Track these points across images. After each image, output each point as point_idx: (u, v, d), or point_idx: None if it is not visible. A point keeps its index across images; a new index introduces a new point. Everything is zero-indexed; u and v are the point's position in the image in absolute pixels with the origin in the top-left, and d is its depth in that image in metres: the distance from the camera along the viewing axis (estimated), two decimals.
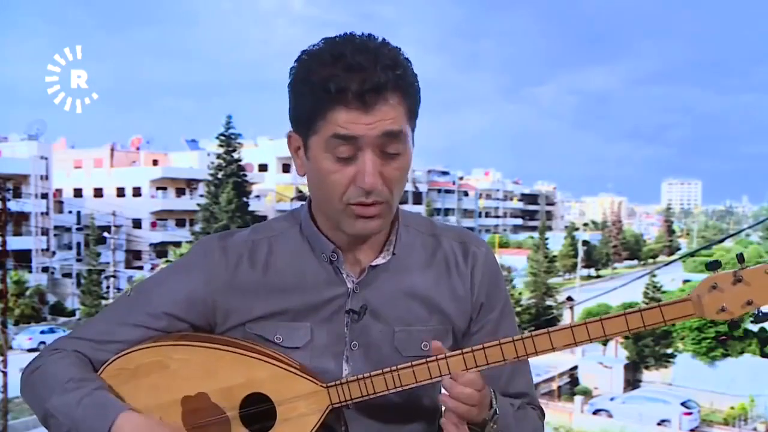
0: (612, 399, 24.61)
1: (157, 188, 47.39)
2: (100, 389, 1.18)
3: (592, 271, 62.92)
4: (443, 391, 1.16)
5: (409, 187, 59.93)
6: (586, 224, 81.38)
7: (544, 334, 1.13)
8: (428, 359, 1.15)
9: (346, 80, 1.09)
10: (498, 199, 79.87)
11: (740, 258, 1.11)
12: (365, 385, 1.16)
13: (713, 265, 1.11)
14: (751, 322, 1.13)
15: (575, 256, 52.82)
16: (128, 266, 42.34)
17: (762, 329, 27.12)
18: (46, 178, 40.02)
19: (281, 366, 1.18)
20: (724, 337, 26.01)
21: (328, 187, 1.16)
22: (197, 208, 38.41)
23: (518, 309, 31.64)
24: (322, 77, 1.10)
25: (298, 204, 1.32)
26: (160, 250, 43.02)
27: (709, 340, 26.21)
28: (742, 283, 1.10)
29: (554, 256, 44.32)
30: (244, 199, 36.12)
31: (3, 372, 17.95)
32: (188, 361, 1.19)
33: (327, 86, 1.10)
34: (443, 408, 1.18)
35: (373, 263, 1.24)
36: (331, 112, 1.11)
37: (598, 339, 1.14)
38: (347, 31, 1.16)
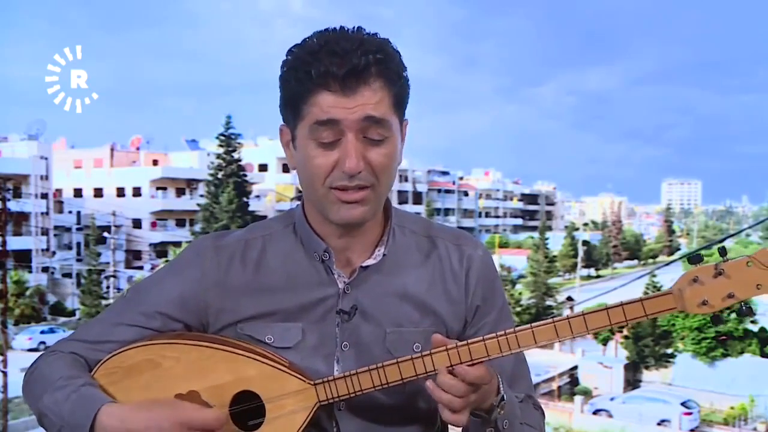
0: (612, 399, 24.59)
1: (157, 188, 47.39)
2: (88, 385, 1.17)
3: (592, 271, 62.93)
4: (434, 384, 1.12)
5: (408, 187, 60.16)
6: (586, 224, 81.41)
7: (527, 330, 1.12)
8: (413, 356, 1.13)
9: (328, 64, 1.10)
10: (498, 199, 79.88)
11: (722, 252, 1.10)
12: (352, 382, 1.15)
13: (695, 259, 1.11)
14: (737, 315, 1.11)
15: (575, 256, 52.83)
16: (128, 266, 42.35)
17: (762, 329, 27.11)
18: (46, 178, 40.02)
19: (270, 363, 1.17)
20: (724, 337, 26.00)
21: (312, 172, 1.16)
22: (197, 208, 38.41)
23: (518, 309, 31.63)
24: (306, 62, 1.12)
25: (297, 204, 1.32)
26: (160, 250, 43.03)
27: (709, 340, 26.19)
28: (723, 276, 1.08)
29: (554, 256, 44.31)
30: (244, 199, 36.10)
31: (3, 372, 17.95)
32: (179, 360, 1.19)
33: (310, 70, 1.11)
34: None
35: (364, 264, 1.23)
36: (314, 97, 1.12)
37: (580, 334, 1.11)
38: None
